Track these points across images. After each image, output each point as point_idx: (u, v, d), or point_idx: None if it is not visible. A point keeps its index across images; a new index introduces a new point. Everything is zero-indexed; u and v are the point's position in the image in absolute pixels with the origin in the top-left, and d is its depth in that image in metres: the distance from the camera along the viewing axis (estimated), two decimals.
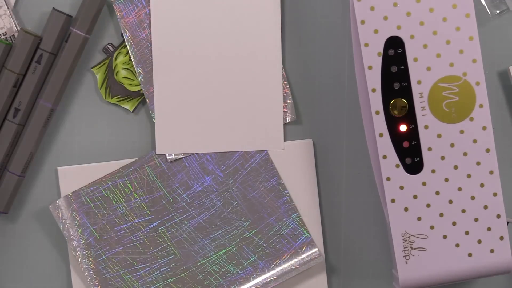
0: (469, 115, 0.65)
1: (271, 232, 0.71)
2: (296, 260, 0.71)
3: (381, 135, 0.65)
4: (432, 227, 0.66)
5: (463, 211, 0.66)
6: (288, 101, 0.71)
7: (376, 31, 0.65)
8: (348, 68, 0.71)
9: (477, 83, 0.65)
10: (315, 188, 0.72)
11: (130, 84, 0.72)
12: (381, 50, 0.65)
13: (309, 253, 0.71)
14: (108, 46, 0.72)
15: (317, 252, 0.71)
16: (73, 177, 0.72)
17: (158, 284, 0.72)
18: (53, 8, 0.69)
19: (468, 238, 0.66)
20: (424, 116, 0.65)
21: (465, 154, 0.65)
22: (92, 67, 0.72)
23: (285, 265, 0.71)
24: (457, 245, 0.66)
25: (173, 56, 0.71)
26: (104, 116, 0.72)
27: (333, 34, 0.71)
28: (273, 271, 0.71)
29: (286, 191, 0.71)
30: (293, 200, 0.72)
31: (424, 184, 0.65)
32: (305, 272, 0.72)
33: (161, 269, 0.72)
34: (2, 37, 0.70)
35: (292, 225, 0.71)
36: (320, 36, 0.72)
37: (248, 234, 0.71)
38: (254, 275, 0.71)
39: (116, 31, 0.72)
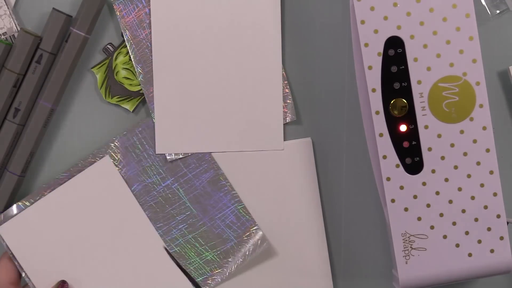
0: (469, 115, 0.65)
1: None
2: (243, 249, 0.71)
3: (381, 135, 0.65)
4: (432, 227, 0.66)
5: (463, 211, 0.66)
6: (288, 101, 0.71)
7: (376, 31, 0.65)
8: (348, 68, 0.71)
9: (477, 83, 0.65)
10: (316, 186, 0.72)
11: (130, 84, 0.72)
12: (381, 50, 0.65)
13: (255, 239, 0.71)
14: (108, 46, 0.72)
15: (263, 238, 0.71)
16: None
17: (178, 242, 0.72)
18: (53, 8, 0.69)
19: (468, 238, 0.66)
20: (424, 116, 0.65)
21: (465, 154, 0.65)
22: (92, 67, 0.72)
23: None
24: (457, 245, 0.66)
25: (173, 56, 0.71)
26: (104, 116, 0.72)
27: (333, 34, 0.71)
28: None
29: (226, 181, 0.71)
30: (294, 200, 0.72)
31: (424, 184, 0.65)
32: (309, 273, 0.72)
33: (179, 226, 0.72)
34: (2, 37, 0.70)
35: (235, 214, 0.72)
36: (320, 36, 0.72)
37: None
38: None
39: (116, 31, 0.72)
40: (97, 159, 0.71)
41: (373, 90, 0.65)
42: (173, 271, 0.71)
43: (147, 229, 0.71)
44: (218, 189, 0.72)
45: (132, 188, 0.71)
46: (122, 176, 0.71)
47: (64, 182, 0.70)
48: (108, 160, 0.70)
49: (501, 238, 0.66)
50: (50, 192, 0.70)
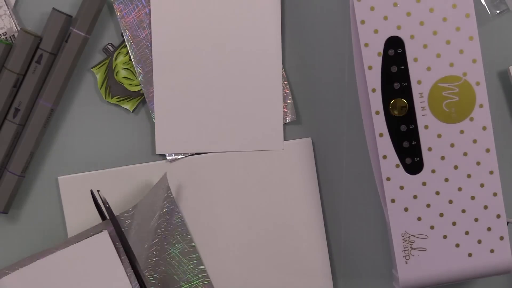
0: (469, 115, 0.65)
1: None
2: None
3: (381, 135, 0.65)
4: (432, 227, 0.66)
5: (463, 211, 0.66)
6: (288, 101, 0.71)
7: (376, 31, 0.65)
8: (348, 68, 0.71)
9: (477, 83, 0.65)
10: (316, 186, 0.72)
11: (130, 84, 0.72)
12: (381, 50, 0.65)
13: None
14: (108, 46, 0.72)
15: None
16: (74, 185, 0.72)
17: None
18: (53, 8, 0.69)
19: (468, 238, 0.66)
20: (424, 116, 0.65)
21: (465, 154, 0.65)
22: (92, 67, 0.72)
23: None
24: (457, 245, 0.66)
25: (173, 56, 0.71)
26: (104, 116, 0.72)
27: (333, 34, 0.71)
28: None
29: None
30: (294, 200, 0.72)
31: (424, 184, 0.65)
32: (309, 273, 0.72)
33: None
34: (2, 37, 0.70)
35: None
36: (320, 36, 0.72)
37: None
38: None
39: (116, 31, 0.72)
40: (91, 234, 0.69)
41: (373, 90, 0.65)
42: None
43: None
44: (188, 261, 0.72)
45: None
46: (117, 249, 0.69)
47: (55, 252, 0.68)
48: (105, 235, 0.68)
49: (501, 238, 0.66)
50: (40, 259, 0.68)
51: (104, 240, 0.68)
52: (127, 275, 0.68)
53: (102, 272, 0.68)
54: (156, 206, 0.70)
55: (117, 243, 0.68)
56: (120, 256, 0.68)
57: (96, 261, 0.68)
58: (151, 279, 0.71)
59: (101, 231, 0.68)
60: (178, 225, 0.71)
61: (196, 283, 0.72)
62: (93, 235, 0.69)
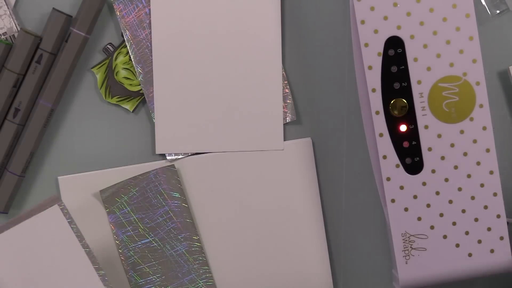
0: (469, 115, 0.65)
1: None
2: None
3: (381, 135, 0.65)
4: (432, 227, 0.66)
5: (463, 211, 0.66)
6: (288, 101, 0.71)
7: (376, 31, 0.65)
8: (348, 68, 0.71)
9: (477, 83, 0.65)
10: (316, 186, 0.72)
11: (130, 84, 0.72)
12: (381, 50, 0.65)
13: None
14: (108, 46, 0.72)
15: None
16: (74, 185, 0.72)
17: None
18: (53, 8, 0.69)
19: (468, 238, 0.66)
20: (424, 116, 0.65)
21: (465, 154, 0.65)
22: (92, 67, 0.72)
23: None
24: (457, 245, 0.66)
25: (173, 56, 0.71)
26: (104, 116, 0.72)
27: (333, 34, 0.71)
28: None
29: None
30: (295, 200, 0.72)
31: (424, 184, 0.65)
32: (309, 273, 0.72)
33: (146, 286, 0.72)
34: (2, 37, 0.70)
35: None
36: (320, 36, 0.72)
37: None
38: None
39: (116, 31, 0.72)
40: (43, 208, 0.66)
41: (373, 90, 0.65)
42: None
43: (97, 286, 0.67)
44: (194, 260, 0.72)
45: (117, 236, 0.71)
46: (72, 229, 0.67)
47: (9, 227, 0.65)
48: (56, 209, 0.65)
49: (501, 238, 0.66)
50: None
51: (56, 215, 0.65)
52: (84, 250, 0.65)
53: (58, 248, 0.65)
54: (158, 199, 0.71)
55: (69, 220, 0.65)
56: (74, 232, 0.65)
57: (50, 236, 0.65)
58: (155, 278, 0.71)
59: (52, 205, 0.65)
60: (189, 223, 0.71)
61: (200, 283, 0.72)
62: (45, 209, 0.65)
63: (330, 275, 0.72)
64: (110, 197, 0.71)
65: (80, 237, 0.64)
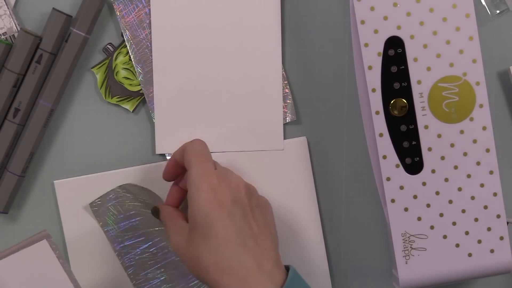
0: (469, 115, 0.65)
1: None
2: None
3: (381, 135, 0.65)
4: (432, 227, 0.66)
5: (463, 211, 0.66)
6: (288, 101, 0.71)
7: (376, 31, 0.65)
8: (348, 68, 0.71)
9: (477, 83, 0.65)
10: (312, 184, 0.72)
11: (130, 84, 0.72)
12: (381, 50, 0.65)
13: None
14: (108, 46, 0.72)
15: None
16: (70, 189, 0.71)
17: None
18: (53, 8, 0.69)
19: (468, 238, 0.66)
20: (424, 116, 0.65)
21: (465, 154, 0.65)
22: (92, 67, 0.72)
23: None
24: (457, 245, 0.66)
25: (173, 56, 0.71)
26: (104, 116, 0.72)
27: (333, 34, 0.71)
28: None
29: None
30: (292, 199, 0.72)
31: (424, 184, 0.65)
32: (307, 272, 0.72)
33: None
34: (2, 37, 0.70)
35: None
36: (320, 36, 0.72)
37: None
38: None
39: (116, 31, 0.72)
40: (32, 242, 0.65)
41: (373, 90, 0.65)
42: None
43: None
44: None
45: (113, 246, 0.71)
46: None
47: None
48: (45, 244, 0.65)
49: (501, 238, 0.66)
50: None
51: (44, 249, 0.65)
52: (72, 285, 0.65)
53: (46, 282, 0.65)
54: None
55: (57, 252, 0.66)
56: (62, 265, 0.66)
57: (38, 270, 0.65)
58: (163, 277, 0.71)
59: (41, 240, 0.65)
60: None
61: None
62: (33, 243, 0.66)
63: (328, 274, 0.72)
64: (99, 209, 0.71)
65: (68, 271, 0.64)
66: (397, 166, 0.65)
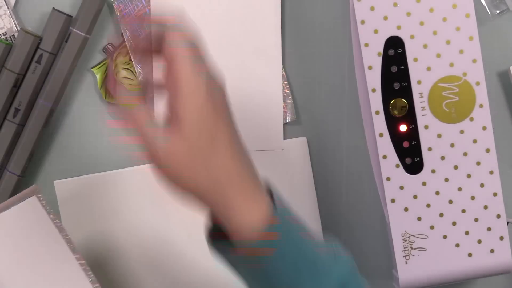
0: (469, 115, 0.65)
1: None
2: None
3: (381, 135, 0.65)
4: (432, 227, 0.66)
5: (463, 211, 0.66)
6: (288, 101, 0.71)
7: (376, 31, 0.65)
8: (348, 68, 0.71)
9: (477, 83, 0.65)
10: (312, 184, 0.72)
11: (130, 84, 0.72)
12: (381, 50, 0.65)
13: None
14: (108, 46, 0.72)
15: None
16: (70, 189, 0.72)
17: None
18: (53, 8, 0.69)
19: (468, 238, 0.66)
20: (424, 116, 0.65)
21: (465, 154, 0.65)
22: (92, 67, 0.72)
23: None
24: (457, 245, 0.66)
25: None
26: (104, 116, 0.72)
27: (333, 34, 0.71)
28: None
29: None
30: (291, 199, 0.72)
31: (424, 184, 0.65)
32: None
33: None
34: (2, 37, 0.70)
35: None
36: (320, 36, 0.72)
37: None
38: None
39: (116, 31, 0.72)
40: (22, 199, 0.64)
41: (373, 90, 0.65)
42: None
43: (78, 275, 0.65)
44: None
45: None
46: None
47: None
48: (35, 200, 0.64)
49: (501, 238, 0.66)
50: None
51: (34, 206, 0.64)
52: (64, 240, 0.63)
53: (38, 238, 0.64)
54: None
55: (48, 208, 0.65)
56: (53, 221, 0.63)
57: (29, 227, 0.64)
58: None
59: (31, 196, 0.64)
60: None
61: None
62: (23, 200, 0.64)
63: None
64: None
65: (60, 228, 0.63)
66: (397, 166, 0.65)
